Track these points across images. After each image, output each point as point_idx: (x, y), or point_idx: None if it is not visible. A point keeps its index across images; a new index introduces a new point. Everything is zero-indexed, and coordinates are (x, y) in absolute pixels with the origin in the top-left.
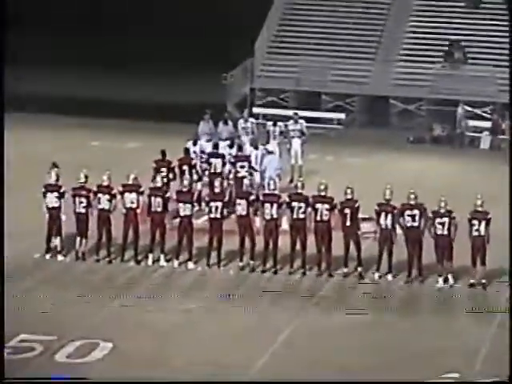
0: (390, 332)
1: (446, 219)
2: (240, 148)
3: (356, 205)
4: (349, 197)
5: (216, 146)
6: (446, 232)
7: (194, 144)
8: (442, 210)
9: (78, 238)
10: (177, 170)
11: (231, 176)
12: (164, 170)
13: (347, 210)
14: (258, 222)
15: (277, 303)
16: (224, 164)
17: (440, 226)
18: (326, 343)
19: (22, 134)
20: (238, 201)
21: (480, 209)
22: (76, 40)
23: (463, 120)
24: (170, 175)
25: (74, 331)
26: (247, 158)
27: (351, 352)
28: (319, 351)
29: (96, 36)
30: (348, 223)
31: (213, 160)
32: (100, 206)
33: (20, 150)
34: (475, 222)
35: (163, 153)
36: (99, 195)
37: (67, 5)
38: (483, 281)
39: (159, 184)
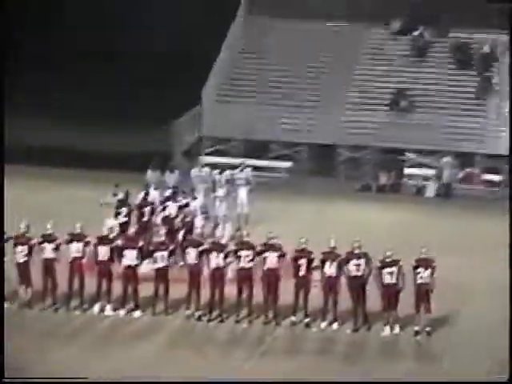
0: (338, 379)
1: (394, 268)
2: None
3: (312, 256)
4: (303, 246)
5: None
6: (394, 281)
7: (147, 193)
8: (389, 260)
9: (22, 287)
10: (136, 212)
11: (178, 222)
12: (124, 209)
13: (302, 261)
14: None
15: (224, 352)
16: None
17: (388, 276)
18: None
19: None
20: (188, 249)
21: (425, 256)
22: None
23: (448, 170)
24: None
25: (16, 380)
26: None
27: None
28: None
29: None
30: (302, 273)
31: (167, 204)
32: (44, 256)
33: None
34: (420, 269)
35: (127, 193)
36: (44, 244)
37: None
38: (427, 328)
39: (106, 233)
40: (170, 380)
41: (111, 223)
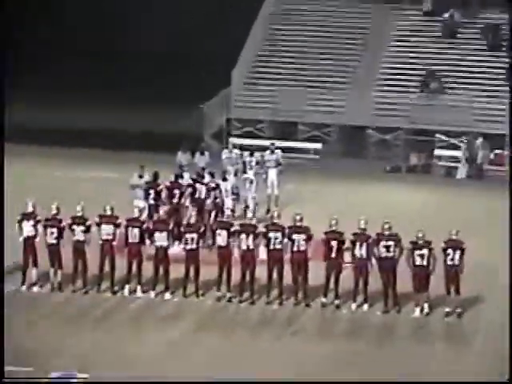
0: (369, 361)
1: (425, 251)
2: (212, 177)
3: (342, 237)
4: (334, 228)
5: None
6: (425, 263)
7: (181, 176)
8: (421, 242)
9: (52, 270)
10: (166, 193)
11: (208, 204)
12: (152, 191)
13: (333, 242)
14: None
15: (254, 333)
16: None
17: (419, 258)
18: (305, 373)
19: None
20: (219, 231)
21: (454, 238)
22: (45, 65)
23: (481, 151)
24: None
25: (50, 362)
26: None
27: (331, 380)
28: (299, 380)
29: (75, 62)
30: (333, 255)
31: (197, 186)
32: (75, 238)
33: None
34: (450, 251)
35: (155, 175)
36: (74, 226)
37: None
38: (458, 309)
39: (136, 214)
40: (198, 363)
41: (141, 204)
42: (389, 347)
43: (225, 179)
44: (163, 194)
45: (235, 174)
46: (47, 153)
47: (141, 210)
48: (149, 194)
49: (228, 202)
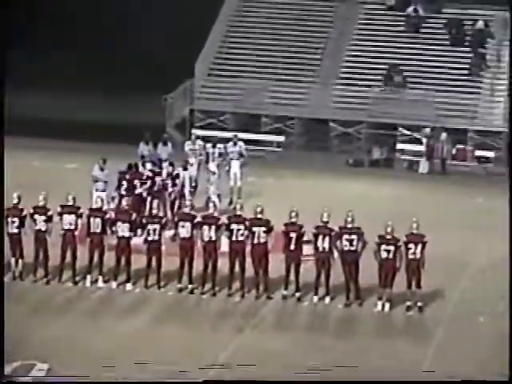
0: (329, 354)
1: (391, 247)
2: (185, 169)
3: (302, 230)
4: (293, 220)
5: (155, 166)
6: (390, 257)
7: (143, 165)
8: (389, 237)
9: (13, 259)
10: (127, 185)
11: (167, 196)
12: (124, 182)
13: (292, 234)
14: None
15: (216, 325)
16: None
17: (385, 253)
18: (265, 365)
19: None
20: (182, 223)
21: (416, 232)
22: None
23: (445, 146)
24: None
25: (10, 353)
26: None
27: (290, 373)
28: (258, 372)
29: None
30: (292, 247)
31: (156, 179)
32: (36, 227)
33: None
34: (411, 245)
35: (130, 165)
36: (35, 216)
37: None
38: (419, 303)
39: (99, 205)
40: (159, 354)
41: (96, 195)
42: (350, 340)
43: (185, 169)
44: (124, 185)
45: (198, 166)
46: (7, 142)
47: (102, 200)
48: (121, 185)
49: (187, 192)
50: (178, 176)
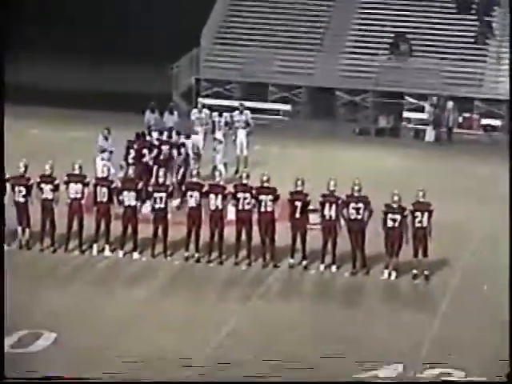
0: (335, 322)
1: (397, 216)
2: (187, 137)
3: (307, 198)
4: (299, 188)
5: (161, 135)
6: (396, 226)
7: (150, 134)
8: (395, 205)
9: (20, 228)
10: (135, 154)
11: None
12: (132, 151)
13: (298, 203)
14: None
15: (222, 293)
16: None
17: (391, 222)
18: (272, 333)
19: None
20: (190, 193)
21: (422, 200)
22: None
23: (452, 115)
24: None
25: (16, 321)
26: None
27: (298, 341)
28: (265, 341)
29: (43, 24)
30: (297, 215)
31: (162, 147)
32: (43, 196)
33: None
34: (418, 213)
35: (138, 134)
36: (42, 185)
37: None
38: (426, 272)
39: (105, 174)
40: (165, 322)
41: (102, 164)
42: (356, 309)
43: (188, 137)
44: (132, 154)
45: (204, 135)
46: (12, 111)
47: (108, 169)
48: (129, 154)
49: (191, 162)
50: (183, 145)
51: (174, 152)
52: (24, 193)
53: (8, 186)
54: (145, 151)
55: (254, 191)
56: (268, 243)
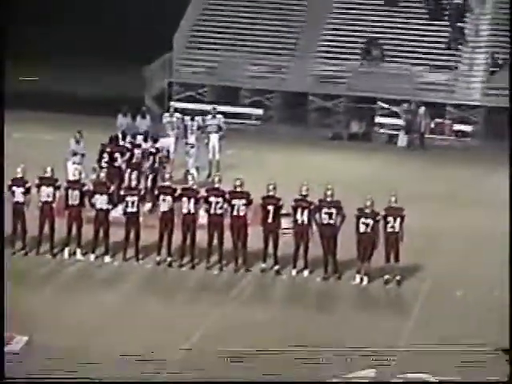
0: (308, 326)
1: (370, 220)
2: (155, 141)
3: (280, 202)
4: (271, 193)
5: (134, 139)
6: (369, 231)
7: (123, 138)
8: (368, 210)
9: None
10: (104, 158)
11: (146, 168)
12: (105, 154)
13: (270, 207)
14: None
15: (194, 297)
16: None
17: (363, 226)
18: (245, 336)
19: None
20: (163, 196)
21: (394, 205)
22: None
23: (424, 120)
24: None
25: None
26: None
27: (270, 345)
28: (237, 344)
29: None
30: (270, 220)
31: (135, 151)
32: (14, 199)
33: None
34: (390, 218)
35: (112, 138)
36: (14, 188)
37: None
38: (398, 277)
39: (77, 177)
40: (137, 327)
41: (74, 168)
42: (328, 313)
43: (156, 141)
44: (105, 157)
45: (176, 139)
46: None
47: (80, 173)
48: (103, 157)
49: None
50: (158, 151)
51: (146, 156)
52: None
53: None
54: (117, 155)
55: (227, 195)
56: (240, 247)
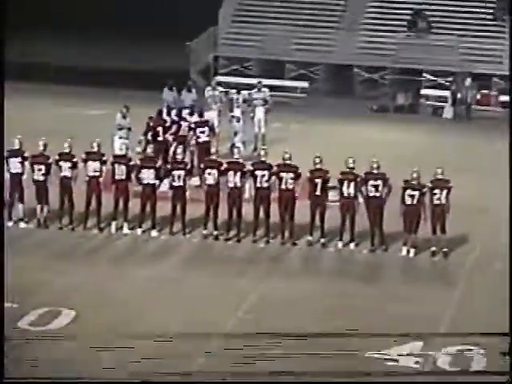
0: (355, 299)
1: (416, 192)
2: (201, 115)
3: (327, 175)
4: (318, 166)
5: (179, 113)
6: (415, 202)
7: (169, 112)
8: (414, 182)
9: (39, 206)
10: (150, 132)
11: (192, 142)
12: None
13: (318, 180)
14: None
15: (241, 271)
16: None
17: (409, 198)
18: (291, 310)
19: None
20: (209, 170)
21: (441, 177)
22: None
23: (470, 91)
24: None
25: (36, 299)
26: (207, 123)
27: (316, 318)
28: (284, 318)
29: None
30: (318, 193)
31: (182, 123)
32: (62, 174)
33: None
34: (436, 190)
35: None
36: (61, 163)
37: None
38: (444, 249)
39: (123, 151)
40: (183, 300)
41: (120, 142)
42: (375, 286)
43: (191, 113)
44: (152, 131)
45: (218, 112)
46: (34, 89)
47: (127, 148)
48: (149, 130)
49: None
50: (204, 122)
51: (193, 129)
52: (43, 171)
53: (27, 164)
54: (159, 129)
55: (275, 168)
56: (287, 221)
